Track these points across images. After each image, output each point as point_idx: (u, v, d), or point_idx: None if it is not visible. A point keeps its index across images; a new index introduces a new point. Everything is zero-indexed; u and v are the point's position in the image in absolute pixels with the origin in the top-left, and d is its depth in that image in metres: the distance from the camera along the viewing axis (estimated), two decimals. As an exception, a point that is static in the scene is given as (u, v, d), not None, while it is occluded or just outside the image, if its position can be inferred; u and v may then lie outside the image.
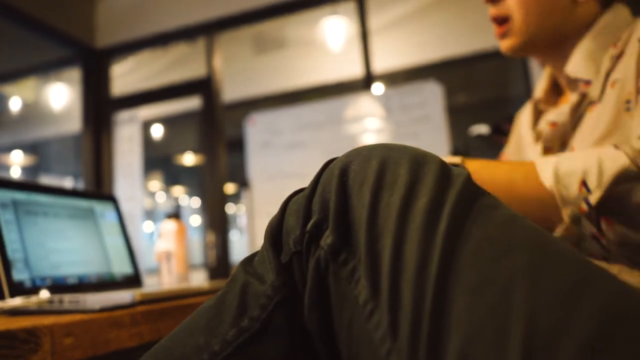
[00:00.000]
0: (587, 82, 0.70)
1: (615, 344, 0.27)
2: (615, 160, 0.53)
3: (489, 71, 3.64)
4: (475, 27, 3.14)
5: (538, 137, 0.79)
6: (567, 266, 0.32)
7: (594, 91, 0.69)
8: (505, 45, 0.79)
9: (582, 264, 0.32)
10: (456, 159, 0.59)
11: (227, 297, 0.45)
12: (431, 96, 2.86)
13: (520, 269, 0.31)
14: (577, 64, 0.72)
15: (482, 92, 3.96)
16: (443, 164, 0.40)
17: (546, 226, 0.56)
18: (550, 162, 0.57)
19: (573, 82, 0.75)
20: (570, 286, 0.30)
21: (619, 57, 0.68)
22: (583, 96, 0.70)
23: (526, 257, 0.32)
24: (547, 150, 0.77)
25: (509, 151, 0.93)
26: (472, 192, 0.38)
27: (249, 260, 0.48)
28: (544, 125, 0.77)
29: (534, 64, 2.85)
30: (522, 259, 0.32)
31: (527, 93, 2.91)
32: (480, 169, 0.59)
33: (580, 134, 0.70)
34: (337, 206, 0.41)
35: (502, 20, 0.77)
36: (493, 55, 3.06)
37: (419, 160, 0.40)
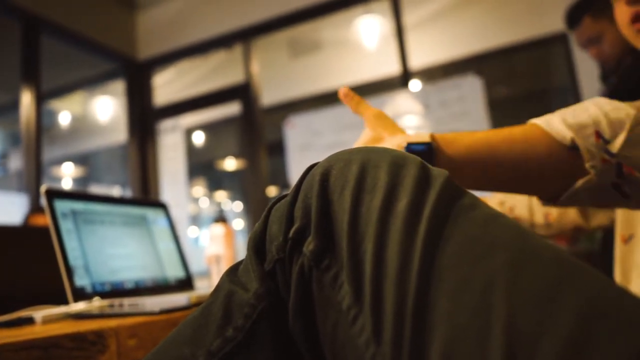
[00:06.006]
0: None
1: (597, 341, 0.26)
2: (619, 110, 0.53)
3: (531, 62, 3.54)
4: (514, 17, 3.07)
5: None
6: (547, 264, 0.31)
7: None
8: None
9: (562, 261, 0.32)
10: (424, 136, 0.56)
11: (212, 307, 0.44)
12: (471, 90, 2.81)
13: (500, 269, 0.31)
14: None
15: (524, 83, 3.87)
16: (423, 165, 0.40)
17: (555, 178, 0.55)
18: (555, 117, 0.56)
19: None
20: (551, 284, 0.30)
21: None
22: None
23: (506, 257, 0.32)
24: None
25: None
26: (452, 192, 0.37)
27: (233, 269, 0.47)
28: None
29: (577, 53, 2.76)
30: (502, 258, 0.32)
31: (572, 83, 2.82)
32: (458, 138, 0.57)
33: None
34: (318, 212, 0.41)
35: None
36: (533, 45, 2.99)
37: (398, 162, 0.40)
